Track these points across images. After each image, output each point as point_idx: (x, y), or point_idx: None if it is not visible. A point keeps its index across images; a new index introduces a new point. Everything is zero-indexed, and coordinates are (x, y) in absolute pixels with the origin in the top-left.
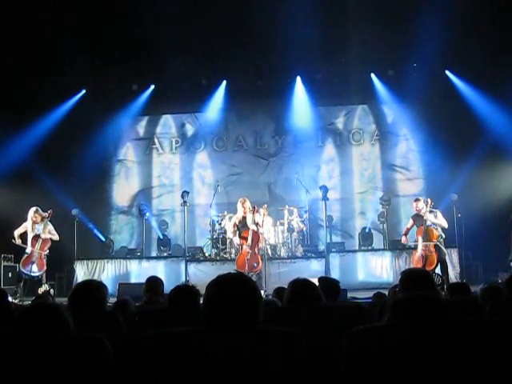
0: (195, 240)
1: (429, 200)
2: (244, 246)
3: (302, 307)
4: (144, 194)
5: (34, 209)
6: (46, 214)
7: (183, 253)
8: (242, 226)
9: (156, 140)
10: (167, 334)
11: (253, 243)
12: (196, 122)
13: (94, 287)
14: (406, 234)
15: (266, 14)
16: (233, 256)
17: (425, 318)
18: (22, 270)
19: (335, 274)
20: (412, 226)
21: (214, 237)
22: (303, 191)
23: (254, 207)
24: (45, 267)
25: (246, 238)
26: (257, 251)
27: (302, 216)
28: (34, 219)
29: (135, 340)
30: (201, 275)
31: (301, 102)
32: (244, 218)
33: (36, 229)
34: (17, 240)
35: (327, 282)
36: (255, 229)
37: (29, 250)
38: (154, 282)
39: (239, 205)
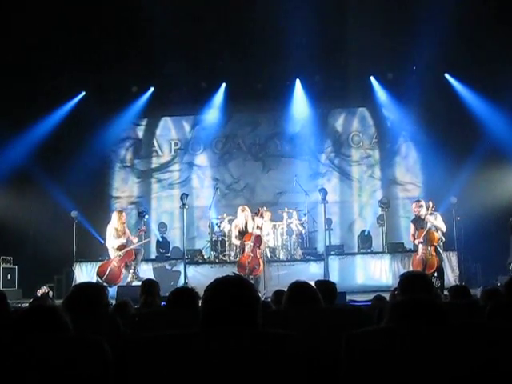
0: (194, 242)
1: (430, 203)
2: (246, 249)
3: (301, 310)
4: (143, 196)
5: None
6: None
7: (182, 255)
8: (243, 232)
9: (155, 142)
10: (165, 337)
11: (254, 247)
12: (195, 124)
13: (92, 289)
14: (414, 240)
15: (265, 17)
16: (232, 258)
17: (423, 321)
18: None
19: (334, 277)
20: (415, 231)
21: (213, 239)
22: (302, 194)
23: (259, 210)
24: (118, 281)
25: (247, 242)
26: (258, 255)
27: (301, 219)
28: (124, 219)
29: (134, 342)
30: (200, 278)
31: (300, 104)
32: (246, 223)
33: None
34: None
35: (324, 284)
36: (258, 233)
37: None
38: (149, 284)
39: (239, 213)
